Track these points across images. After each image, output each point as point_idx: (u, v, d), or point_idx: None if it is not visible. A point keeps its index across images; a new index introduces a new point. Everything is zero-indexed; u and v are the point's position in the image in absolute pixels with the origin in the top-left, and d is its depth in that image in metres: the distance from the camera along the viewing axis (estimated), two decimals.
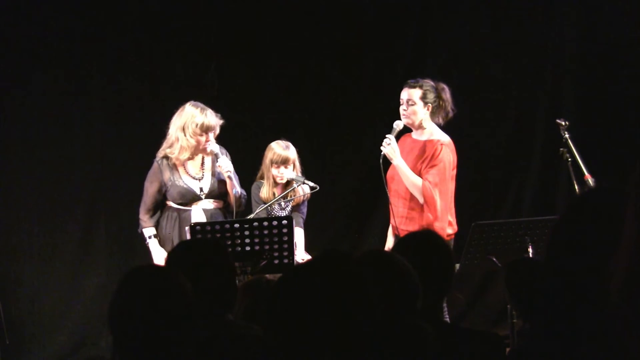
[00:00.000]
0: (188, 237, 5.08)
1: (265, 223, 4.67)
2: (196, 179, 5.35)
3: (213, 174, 5.39)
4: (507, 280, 3.50)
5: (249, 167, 5.71)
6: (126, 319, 2.33)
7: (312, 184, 5.35)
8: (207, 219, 5.25)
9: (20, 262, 6.33)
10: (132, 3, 6.46)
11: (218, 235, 4.61)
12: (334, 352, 1.86)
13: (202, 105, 5.29)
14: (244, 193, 5.41)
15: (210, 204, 5.35)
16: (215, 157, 5.34)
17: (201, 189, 5.34)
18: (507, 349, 3.40)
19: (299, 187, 5.44)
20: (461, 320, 6.70)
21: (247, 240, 4.62)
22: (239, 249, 4.60)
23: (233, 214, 5.25)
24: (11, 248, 6.32)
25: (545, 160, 6.95)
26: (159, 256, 5.28)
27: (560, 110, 6.65)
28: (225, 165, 5.27)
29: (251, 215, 5.25)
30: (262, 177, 5.54)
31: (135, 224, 5.44)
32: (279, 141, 5.51)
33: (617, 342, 1.60)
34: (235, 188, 5.27)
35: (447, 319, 5.00)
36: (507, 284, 3.53)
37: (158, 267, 3.61)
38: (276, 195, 5.45)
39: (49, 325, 6.37)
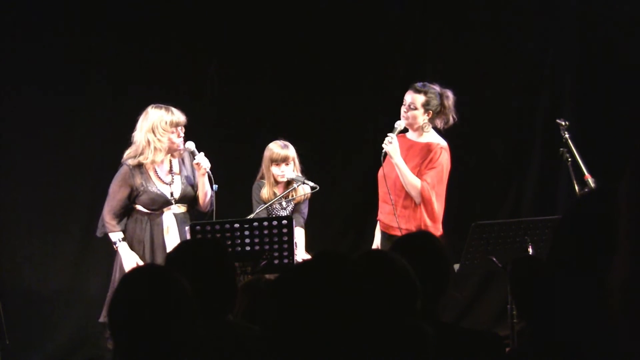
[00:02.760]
0: (187, 237, 5.08)
1: (266, 223, 4.67)
2: (167, 184, 5.31)
3: (183, 178, 5.36)
4: (511, 277, 3.49)
5: (248, 167, 5.71)
6: (125, 320, 2.32)
7: (312, 183, 5.36)
8: (177, 223, 5.24)
9: (20, 262, 6.33)
10: (131, 3, 6.45)
11: (218, 235, 4.60)
12: (332, 352, 1.86)
13: (164, 105, 5.28)
14: (212, 194, 5.37)
15: (179, 209, 5.34)
16: (192, 154, 5.31)
17: (172, 194, 5.30)
18: (507, 349, 3.40)
19: (299, 187, 5.45)
20: (461, 320, 6.70)
21: (247, 240, 4.61)
22: (239, 249, 4.60)
23: (213, 214, 5.24)
24: (11, 248, 6.32)
25: (545, 160, 6.95)
26: (130, 259, 5.22)
27: (560, 110, 6.65)
28: (204, 162, 5.24)
29: (252, 215, 5.25)
30: (262, 178, 5.55)
31: None
32: (277, 141, 5.53)
33: (616, 343, 1.60)
34: (214, 185, 5.26)
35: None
36: (510, 282, 3.52)
37: (157, 267, 3.60)
38: (277, 194, 5.45)
39: (49, 325, 6.36)
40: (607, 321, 1.67)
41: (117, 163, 5.59)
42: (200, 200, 5.35)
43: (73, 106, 6.40)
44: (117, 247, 5.29)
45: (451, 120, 5.33)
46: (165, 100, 5.39)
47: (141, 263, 5.18)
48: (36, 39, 6.29)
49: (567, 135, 5.39)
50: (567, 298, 1.96)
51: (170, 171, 5.34)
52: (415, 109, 5.25)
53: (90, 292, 6.38)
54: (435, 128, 5.36)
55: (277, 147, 5.48)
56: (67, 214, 6.40)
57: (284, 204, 5.50)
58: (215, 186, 5.25)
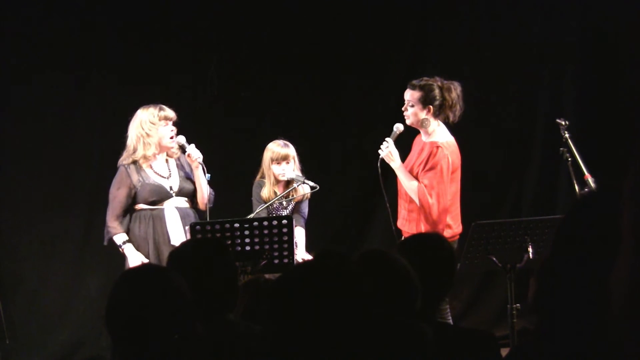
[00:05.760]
0: (186, 237, 5.08)
1: (266, 223, 4.66)
2: (164, 177, 5.33)
3: (181, 173, 5.37)
4: (539, 273, 3.45)
5: (249, 167, 5.70)
6: (121, 320, 2.32)
7: (312, 183, 5.35)
8: (180, 217, 5.23)
9: (20, 261, 6.33)
10: (132, 2, 6.45)
11: (218, 234, 4.60)
12: (332, 352, 1.86)
13: (153, 104, 5.31)
14: (212, 191, 5.37)
15: (182, 202, 5.33)
16: (182, 148, 5.33)
17: (171, 187, 5.32)
18: (508, 349, 3.40)
19: (300, 186, 5.45)
20: (461, 320, 6.70)
21: (247, 240, 4.61)
22: (239, 248, 4.59)
23: (207, 212, 5.24)
24: (11, 247, 6.32)
25: (545, 160, 6.94)
26: (136, 260, 5.21)
27: (560, 110, 6.65)
28: (195, 154, 5.25)
29: (252, 215, 5.25)
30: (262, 177, 5.54)
31: None
32: (277, 140, 5.54)
33: (618, 344, 1.60)
34: (207, 175, 5.26)
35: (450, 321, 4.99)
36: (537, 278, 3.49)
37: (153, 267, 3.59)
38: (277, 194, 5.45)
39: (49, 325, 6.36)
40: (608, 322, 1.67)
41: (117, 163, 5.59)
42: (199, 198, 5.34)
43: (73, 106, 6.40)
44: (122, 250, 5.28)
45: (459, 111, 5.21)
46: (165, 99, 5.39)
47: (147, 262, 5.17)
48: (36, 38, 6.29)
49: (567, 135, 5.38)
50: (567, 298, 1.96)
51: (167, 167, 5.36)
52: (413, 105, 5.17)
53: (90, 292, 6.38)
54: (446, 123, 5.28)
55: (277, 146, 5.49)
56: (67, 214, 6.40)
57: (284, 203, 5.50)
58: (207, 175, 5.26)
